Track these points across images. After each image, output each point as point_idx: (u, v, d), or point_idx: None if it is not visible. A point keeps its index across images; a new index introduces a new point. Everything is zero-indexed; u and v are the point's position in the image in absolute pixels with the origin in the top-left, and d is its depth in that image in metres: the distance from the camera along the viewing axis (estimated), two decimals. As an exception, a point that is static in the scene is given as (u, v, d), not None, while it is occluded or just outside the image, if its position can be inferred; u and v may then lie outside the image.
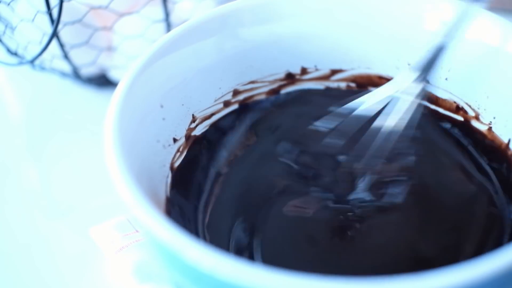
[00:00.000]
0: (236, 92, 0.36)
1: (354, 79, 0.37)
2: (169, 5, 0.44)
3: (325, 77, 0.37)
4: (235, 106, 0.36)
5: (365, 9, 0.35)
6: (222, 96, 0.36)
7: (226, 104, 0.36)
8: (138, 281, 0.33)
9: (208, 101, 0.35)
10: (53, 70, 0.46)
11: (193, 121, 0.35)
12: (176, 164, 0.33)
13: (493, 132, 0.34)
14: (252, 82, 0.36)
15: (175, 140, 0.33)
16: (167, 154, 0.33)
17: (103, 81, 0.47)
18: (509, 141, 0.33)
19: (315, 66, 0.37)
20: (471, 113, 0.34)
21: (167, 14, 0.44)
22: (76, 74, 0.46)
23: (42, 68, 0.46)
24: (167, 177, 0.33)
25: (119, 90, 0.30)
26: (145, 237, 0.29)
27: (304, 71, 0.37)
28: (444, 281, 0.22)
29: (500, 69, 0.33)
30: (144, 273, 0.34)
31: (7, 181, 0.43)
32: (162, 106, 0.32)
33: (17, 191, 0.43)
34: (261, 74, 0.37)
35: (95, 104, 0.47)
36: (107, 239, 0.36)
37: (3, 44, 0.45)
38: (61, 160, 0.44)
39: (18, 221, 0.41)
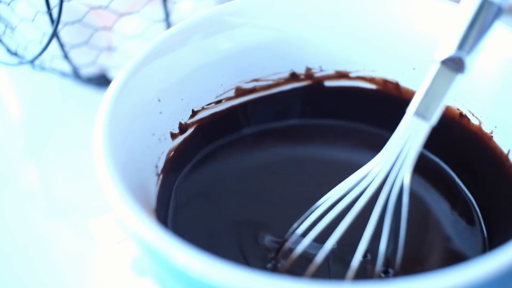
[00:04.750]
0: (238, 89, 0.36)
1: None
2: (169, 5, 0.44)
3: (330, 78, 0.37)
4: (234, 102, 0.36)
5: (371, 12, 0.35)
6: (224, 93, 0.36)
7: (228, 100, 0.36)
8: (136, 275, 0.33)
9: (209, 97, 0.35)
10: (53, 70, 0.46)
11: (192, 116, 0.35)
12: (171, 157, 0.33)
13: (494, 141, 0.33)
14: (256, 80, 0.36)
15: (172, 134, 0.33)
16: (163, 148, 0.33)
17: (103, 81, 0.47)
18: (508, 151, 0.33)
19: (320, 66, 0.37)
20: (475, 121, 0.34)
21: (167, 14, 0.44)
22: (76, 74, 0.46)
23: (42, 68, 0.46)
24: (161, 170, 0.32)
25: (114, 83, 0.30)
26: (133, 240, 0.28)
27: (308, 71, 0.37)
28: (444, 281, 0.22)
29: (502, 77, 0.32)
30: (142, 267, 0.34)
31: (6, 181, 0.43)
32: (159, 100, 0.32)
33: (17, 191, 0.43)
34: (264, 72, 0.37)
35: (95, 104, 0.47)
36: (106, 232, 0.36)
37: (3, 44, 0.45)
38: (61, 160, 0.44)
39: (17, 221, 0.40)
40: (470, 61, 0.28)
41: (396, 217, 0.29)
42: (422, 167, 0.35)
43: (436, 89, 0.28)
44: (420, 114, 0.29)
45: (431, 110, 0.29)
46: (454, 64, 0.28)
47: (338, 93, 0.38)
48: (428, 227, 0.33)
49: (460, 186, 0.35)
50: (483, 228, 0.33)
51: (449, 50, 0.28)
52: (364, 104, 0.38)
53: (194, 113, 0.35)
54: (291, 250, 0.30)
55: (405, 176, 0.29)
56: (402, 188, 0.29)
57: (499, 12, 0.27)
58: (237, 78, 0.36)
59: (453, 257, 0.32)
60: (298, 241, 0.30)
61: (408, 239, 0.30)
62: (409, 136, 0.29)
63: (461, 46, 0.28)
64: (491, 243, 0.32)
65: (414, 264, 0.31)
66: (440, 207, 0.34)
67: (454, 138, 0.35)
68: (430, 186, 0.35)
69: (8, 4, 0.43)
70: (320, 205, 0.30)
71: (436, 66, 0.29)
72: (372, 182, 0.29)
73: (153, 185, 0.31)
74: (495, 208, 0.33)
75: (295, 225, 0.31)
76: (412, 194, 0.34)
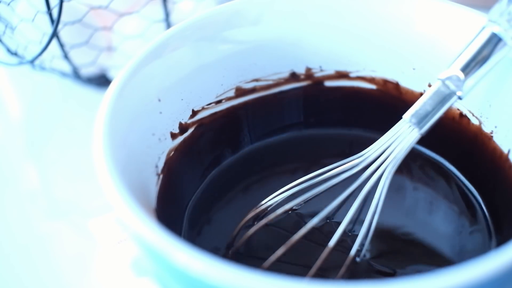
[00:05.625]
0: (238, 89, 0.36)
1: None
2: (169, 5, 0.44)
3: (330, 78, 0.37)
4: (234, 102, 0.36)
5: (371, 10, 0.35)
6: (224, 93, 0.36)
7: (228, 100, 0.36)
8: (136, 275, 0.33)
9: (209, 97, 0.35)
10: (53, 70, 0.46)
11: (192, 116, 0.35)
12: (171, 157, 0.33)
13: (494, 141, 0.33)
14: (256, 80, 0.36)
15: (172, 134, 0.33)
16: (163, 148, 0.33)
17: (103, 81, 0.47)
18: (508, 151, 0.33)
19: (320, 66, 0.37)
20: (475, 121, 0.34)
21: (167, 14, 0.44)
22: (76, 74, 0.46)
23: (42, 68, 0.46)
24: (161, 170, 0.32)
25: (114, 83, 0.30)
26: (133, 240, 0.28)
27: (308, 71, 0.37)
28: (444, 281, 0.22)
29: (503, 78, 0.32)
30: (142, 267, 0.34)
31: (7, 181, 0.43)
32: (159, 100, 0.32)
33: (17, 191, 0.43)
34: (264, 72, 0.37)
35: (95, 104, 0.47)
36: (106, 232, 0.36)
37: (3, 44, 0.45)
38: (61, 160, 0.44)
39: (17, 221, 0.41)
40: (468, 85, 0.31)
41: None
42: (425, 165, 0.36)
43: (432, 104, 0.31)
44: (413, 122, 0.31)
45: (424, 121, 0.31)
46: (453, 85, 0.31)
47: (338, 93, 0.38)
48: (434, 223, 0.34)
49: (466, 184, 0.35)
50: (490, 225, 0.33)
51: (451, 71, 0.31)
52: (364, 104, 0.38)
53: (194, 113, 0.35)
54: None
55: (385, 174, 0.31)
56: (379, 183, 0.31)
57: (503, 46, 0.30)
58: (237, 78, 0.36)
59: (458, 254, 0.32)
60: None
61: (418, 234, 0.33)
62: (398, 138, 0.31)
63: (461, 69, 0.31)
64: (498, 241, 0.33)
65: (420, 259, 0.32)
66: (446, 205, 0.35)
67: (455, 137, 0.35)
68: (434, 183, 0.36)
69: (8, 4, 0.43)
70: (292, 188, 0.32)
71: (438, 83, 0.31)
72: (350, 172, 0.31)
73: (153, 185, 0.31)
74: (500, 207, 0.33)
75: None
76: (419, 190, 0.35)
